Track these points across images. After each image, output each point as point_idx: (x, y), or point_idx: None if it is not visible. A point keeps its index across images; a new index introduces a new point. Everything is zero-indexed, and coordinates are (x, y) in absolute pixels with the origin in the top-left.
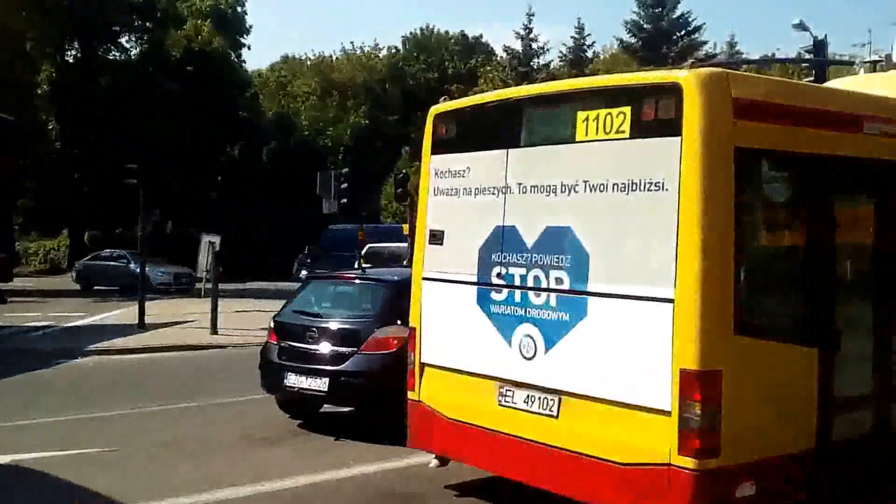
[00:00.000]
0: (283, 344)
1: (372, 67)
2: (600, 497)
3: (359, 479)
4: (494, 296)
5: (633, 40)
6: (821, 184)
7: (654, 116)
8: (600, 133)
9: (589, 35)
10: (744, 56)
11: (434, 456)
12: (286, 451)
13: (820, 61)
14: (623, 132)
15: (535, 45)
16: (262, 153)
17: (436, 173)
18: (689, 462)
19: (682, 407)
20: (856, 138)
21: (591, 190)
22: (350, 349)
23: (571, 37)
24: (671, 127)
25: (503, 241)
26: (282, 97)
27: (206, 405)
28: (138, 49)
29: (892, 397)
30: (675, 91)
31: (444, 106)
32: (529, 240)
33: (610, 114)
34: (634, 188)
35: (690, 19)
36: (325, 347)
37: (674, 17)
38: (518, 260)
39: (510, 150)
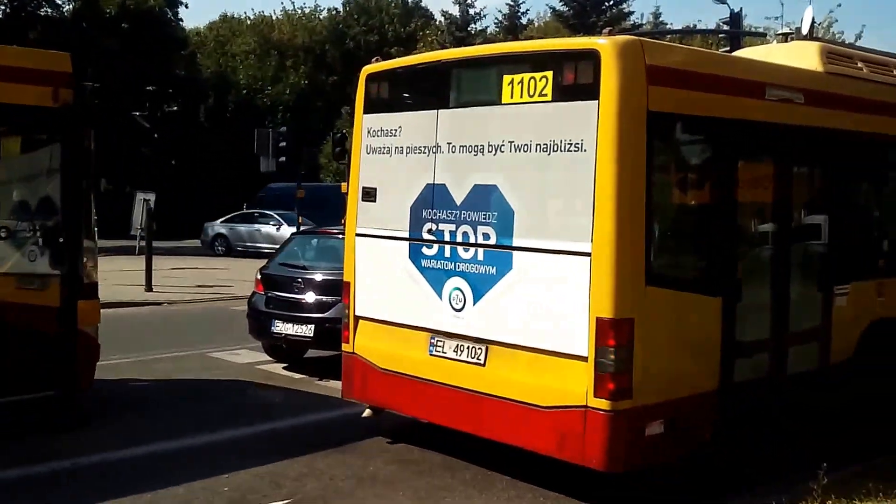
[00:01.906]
0: (269, 294)
1: (313, 28)
2: (524, 439)
3: (295, 429)
4: (425, 251)
5: (564, 9)
6: (725, 146)
7: (574, 81)
8: (524, 96)
9: (523, 2)
10: (668, 26)
11: (367, 406)
12: (221, 407)
13: (735, 32)
14: (545, 95)
15: (472, 11)
16: (200, 111)
17: (368, 132)
18: (603, 403)
19: (597, 353)
20: (758, 104)
21: (516, 150)
22: (334, 298)
23: (507, 3)
24: (589, 91)
25: (433, 198)
26: (220, 56)
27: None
28: (71, 5)
29: (787, 342)
30: (593, 57)
31: (377, 66)
32: (458, 197)
33: (534, 77)
34: (556, 149)
35: None
36: (310, 297)
37: None
38: (448, 216)
39: (440, 111)
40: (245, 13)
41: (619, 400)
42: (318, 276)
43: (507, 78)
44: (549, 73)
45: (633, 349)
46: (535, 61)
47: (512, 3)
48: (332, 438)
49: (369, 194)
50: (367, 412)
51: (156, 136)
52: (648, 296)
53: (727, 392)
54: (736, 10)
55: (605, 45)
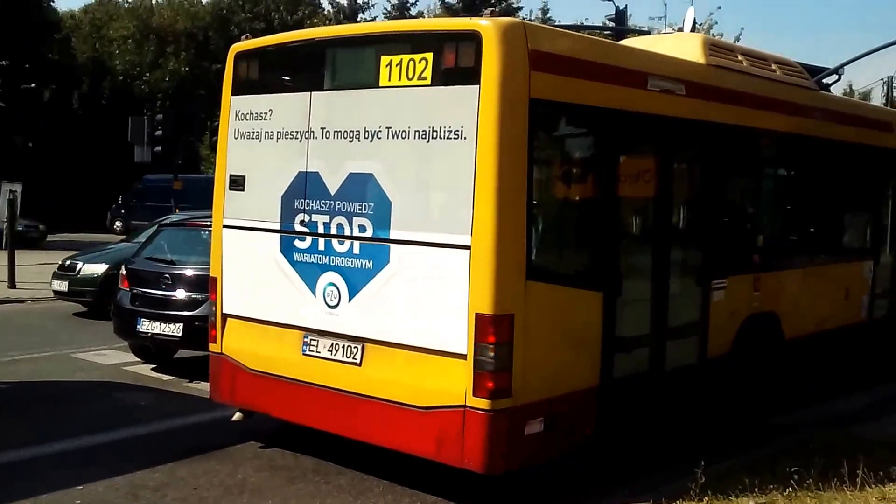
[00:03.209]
0: (135, 291)
1: (195, 14)
2: (402, 441)
3: (160, 434)
4: (298, 244)
5: (454, 0)
6: (607, 137)
7: (455, 64)
8: (403, 79)
9: None
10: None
11: (237, 409)
12: (82, 411)
13: (620, 29)
14: (425, 79)
15: (360, 0)
16: (73, 98)
17: (236, 115)
18: (483, 403)
19: (476, 350)
20: (640, 94)
21: (393, 136)
22: (204, 295)
23: None
24: (470, 75)
25: (306, 187)
26: (96, 41)
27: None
28: None
29: (667, 338)
30: (474, 38)
31: (246, 44)
32: (333, 186)
33: (413, 59)
34: (435, 136)
35: None
36: (179, 293)
37: None
38: (321, 207)
39: (313, 94)
40: None
41: (498, 399)
42: (187, 272)
43: (384, 59)
44: (429, 55)
45: (513, 346)
46: (414, 42)
47: None
48: (200, 444)
49: (237, 183)
50: (236, 415)
51: (24, 123)
52: (529, 291)
53: (608, 388)
54: (621, 8)
55: (487, 26)
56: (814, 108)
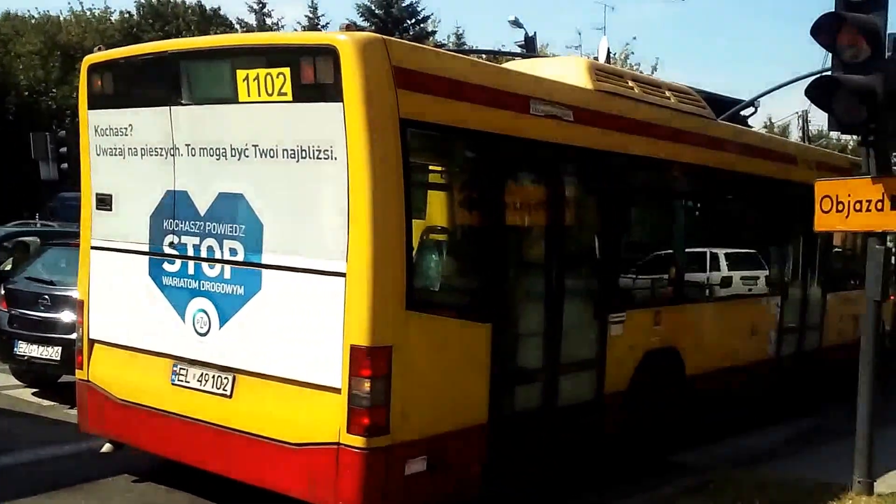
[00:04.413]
0: (13, 312)
1: (104, 31)
2: (274, 480)
3: (27, 465)
4: (167, 267)
5: (366, 24)
6: (489, 162)
7: (314, 80)
8: (263, 94)
9: (323, 16)
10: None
11: (107, 440)
12: None
13: (532, 56)
14: (285, 94)
15: (269, 21)
16: None
17: (96, 130)
18: (357, 440)
19: (351, 384)
20: (522, 118)
21: (261, 155)
22: None
23: (306, 15)
24: (332, 92)
25: (175, 207)
26: (2, 56)
27: None
28: None
29: (559, 372)
30: (331, 53)
31: (98, 56)
32: (202, 207)
33: (270, 74)
34: (304, 155)
35: (419, 9)
36: (59, 315)
37: (404, 4)
38: (191, 228)
39: (173, 108)
40: (29, 11)
41: (374, 436)
42: (69, 293)
43: (241, 73)
44: (287, 70)
45: (390, 380)
46: (269, 56)
47: (311, 15)
48: (70, 476)
49: (104, 202)
50: (106, 447)
51: None
52: (409, 321)
53: (497, 425)
54: (531, 34)
55: (343, 41)
56: (712, 138)
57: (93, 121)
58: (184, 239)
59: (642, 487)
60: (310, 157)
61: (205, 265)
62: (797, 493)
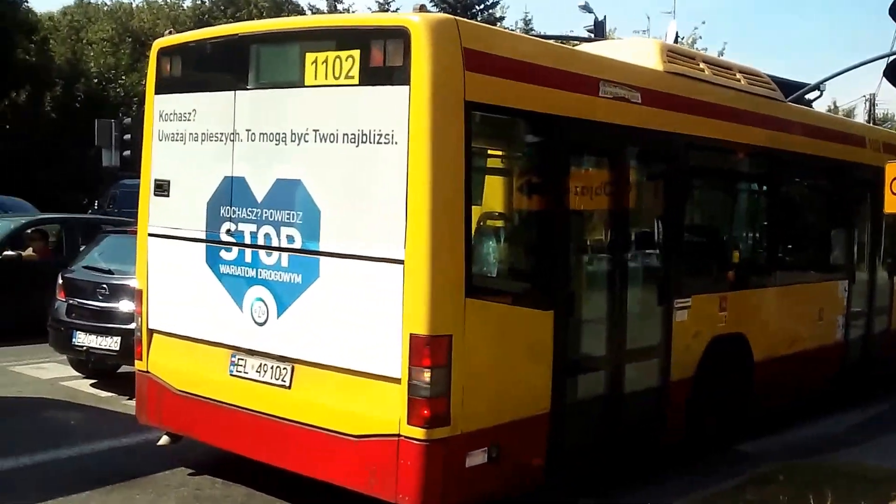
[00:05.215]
0: (71, 301)
1: (175, 18)
2: (334, 473)
3: (82, 458)
4: (224, 255)
5: (434, 10)
6: (555, 145)
7: (383, 62)
8: (329, 78)
9: (393, 1)
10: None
11: (164, 432)
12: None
13: (602, 41)
14: (352, 78)
15: (340, 7)
16: (45, 100)
17: (160, 116)
18: (418, 432)
19: (411, 374)
20: (591, 101)
21: (321, 140)
22: None
23: (377, 1)
24: (400, 75)
25: (232, 193)
26: (75, 43)
27: None
28: None
29: (623, 360)
30: (402, 35)
31: (169, 40)
32: (259, 193)
33: (339, 57)
34: (364, 140)
35: None
36: (117, 305)
37: None
38: (248, 215)
39: (238, 93)
40: None
41: (435, 428)
42: (127, 282)
43: (310, 56)
44: (356, 53)
45: (451, 369)
46: (340, 38)
47: (382, 1)
48: (125, 469)
49: (162, 188)
50: (163, 439)
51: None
52: (469, 309)
53: (560, 415)
54: (600, 19)
55: (416, 22)
56: (783, 121)
57: (158, 106)
58: (241, 226)
59: (708, 478)
60: (370, 142)
61: (262, 253)
62: (868, 482)
